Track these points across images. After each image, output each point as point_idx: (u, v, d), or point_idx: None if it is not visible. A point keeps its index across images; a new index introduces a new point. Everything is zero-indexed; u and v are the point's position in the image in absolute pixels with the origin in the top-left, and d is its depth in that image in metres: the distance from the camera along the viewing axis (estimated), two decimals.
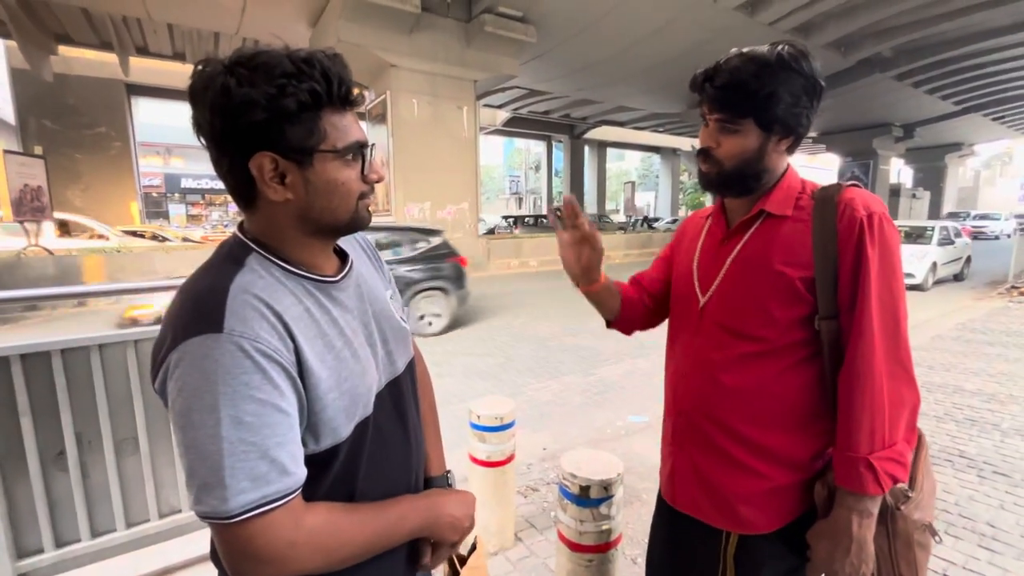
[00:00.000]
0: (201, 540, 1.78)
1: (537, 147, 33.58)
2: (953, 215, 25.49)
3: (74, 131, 16.52)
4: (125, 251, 9.14)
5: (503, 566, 1.94)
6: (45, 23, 12.40)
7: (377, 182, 0.68)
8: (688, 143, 30.19)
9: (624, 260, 16.26)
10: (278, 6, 11.28)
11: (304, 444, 0.60)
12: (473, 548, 0.87)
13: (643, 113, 22.73)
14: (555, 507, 2.32)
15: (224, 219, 23.81)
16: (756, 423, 0.86)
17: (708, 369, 0.90)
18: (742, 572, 0.89)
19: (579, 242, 0.97)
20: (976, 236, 19.72)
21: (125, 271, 8.66)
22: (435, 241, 6.56)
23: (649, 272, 1.14)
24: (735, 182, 0.87)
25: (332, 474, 0.65)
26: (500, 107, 21.83)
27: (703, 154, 0.88)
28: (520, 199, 38.26)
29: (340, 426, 0.63)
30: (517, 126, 25.06)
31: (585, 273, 1.00)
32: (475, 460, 1.91)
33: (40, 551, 1.58)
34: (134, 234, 12.20)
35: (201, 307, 0.56)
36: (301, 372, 0.59)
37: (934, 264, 9.43)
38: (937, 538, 0.86)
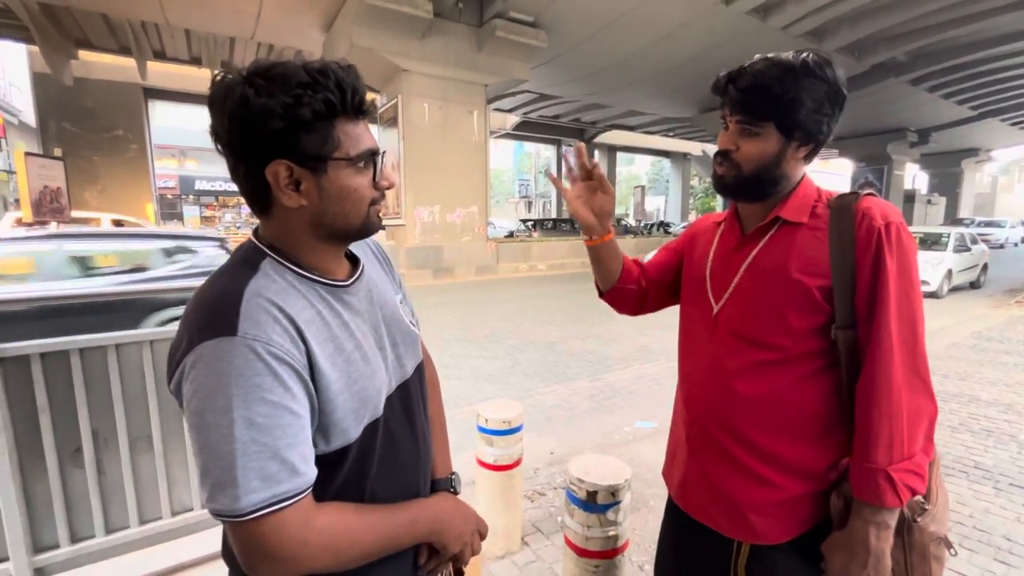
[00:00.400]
0: (211, 539, 1.80)
1: (547, 151, 33.62)
2: (956, 221, 24.88)
3: (92, 134, 16.86)
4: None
5: (509, 570, 1.94)
6: (66, 28, 12.70)
7: (388, 188, 0.70)
8: (699, 148, 30.09)
9: None
10: (293, 12, 11.44)
11: (315, 444, 0.62)
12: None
13: (654, 117, 22.68)
14: (562, 512, 2.32)
15: (236, 221, 24.11)
16: (770, 432, 0.85)
17: (722, 377, 0.89)
18: None
19: (590, 189, 1.00)
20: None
21: None
22: (203, 253, 4.49)
23: (655, 257, 1.14)
24: (752, 187, 0.87)
25: (343, 474, 0.66)
26: (510, 111, 21.92)
27: (721, 156, 0.88)
28: (529, 203, 38.29)
29: (350, 427, 0.64)
30: (527, 130, 25.12)
31: (600, 219, 1.01)
32: (482, 464, 1.92)
33: (56, 546, 1.61)
34: None
35: (216, 311, 0.58)
36: (312, 374, 0.60)
37: (949, 271, 9.27)
38: (952, 551, 0.84)
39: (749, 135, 0.84)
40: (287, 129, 0.59)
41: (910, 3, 11.65)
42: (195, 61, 15.07)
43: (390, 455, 0.72)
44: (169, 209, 23.40)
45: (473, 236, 12.93)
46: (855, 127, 22.63)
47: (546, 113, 22.45)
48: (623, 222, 25.28)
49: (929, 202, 27.67)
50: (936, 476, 0.86)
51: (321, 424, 0.62)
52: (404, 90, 11.43)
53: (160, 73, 16.03)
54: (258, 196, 0.64)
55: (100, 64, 15.52)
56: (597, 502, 1.32)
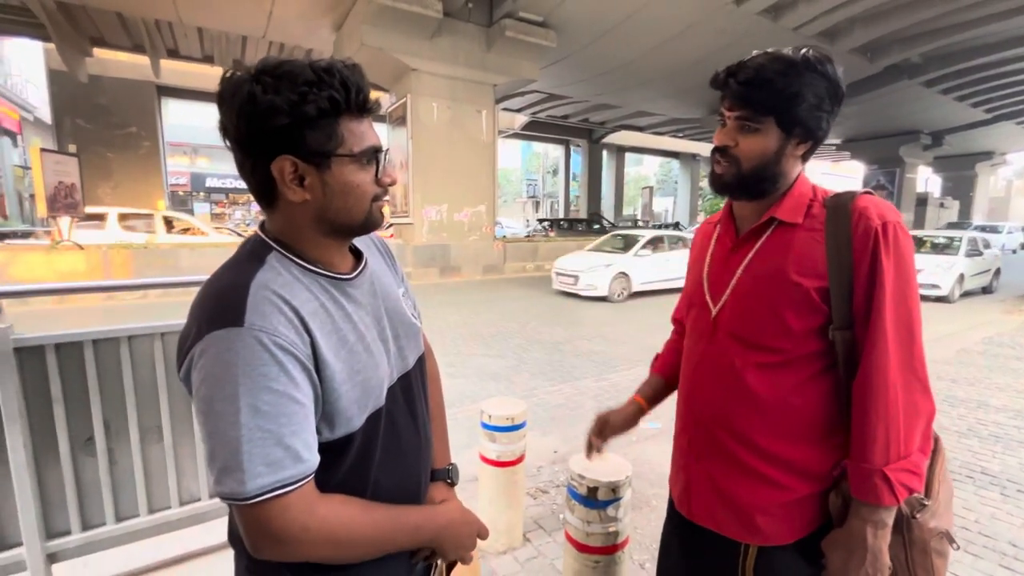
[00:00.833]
0: (218, 528, 1.83)
1: (555, 151, 33.59)
2: (952, 225, 24.19)
3: (106, 130, 17.09)
4: (152, 248, 9.41)
5: (511, 566, 1.96)
6: (82, 26, 12.88)
7: (390, 185, 0.72)
8: (708, 149, 29.75)
9: None
10: (304, 11, 11.53)
11: (319, 432, 0.64)
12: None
13: (663, 118, 22.56)
14: (564, 509, 2.33)
15: (247, 217, 24.34)
16: (774, 434, 0.85)
17: (724, 380, 0.90)
18: None
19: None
20: None
21: (152, 267, 8.93)
22: None
23: (681, 306, 1.17)
24: (750, 183, 0.86)
25: (348, 462, 0.68)
26: (519, 111, 21.91)
27: (719, 153, 0.87)
28: (537, 203, 38.26)
29: (353, 416, 0.66)
30: (535, 130, 25.11)
31: (624, 427, 1.20)
32: (485, 460, 1.94)
33: (68, 532, 1.65)
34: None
35: (224, 302, 0.60)
36: (316, 364, 0.62)
37: (961, 276, 9.16)
38: (955, 545, 0.84)
39: (749, 131, 0.84)
40: (293, 125, 0.60)
41: (924, 4, 11.49)
42: (208, 59, 15.23)
43: (393, 444, 0.74)
44: (181, 206, 23.68)
45: (480, 235, 12.95)
46: (867, 129, 22.36)
47: (555, 113, 22.42)
48: (638, 223, 25.27)
49: (942, 205, 27.29)
50: (939, 471, 0.86)
51: (325, 412, 0.64)
52: (413, 89, 11.47)
53: (173, 71, 16.20)
54: (264, 191, 0.66)
55: (114, 62, 15.73)
56: (598, 498, 1.33)
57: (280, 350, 0.58)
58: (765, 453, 0.86)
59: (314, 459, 0.61)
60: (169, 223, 10.80)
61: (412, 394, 0.79)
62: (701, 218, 33.77)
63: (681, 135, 26.87)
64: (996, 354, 5.31)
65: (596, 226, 20.78)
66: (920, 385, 0.79)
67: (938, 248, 9.87)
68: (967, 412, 3.68)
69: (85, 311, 7.32)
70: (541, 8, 11.41)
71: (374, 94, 0.68)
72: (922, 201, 25.16)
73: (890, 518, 0.79)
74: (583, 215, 26.30)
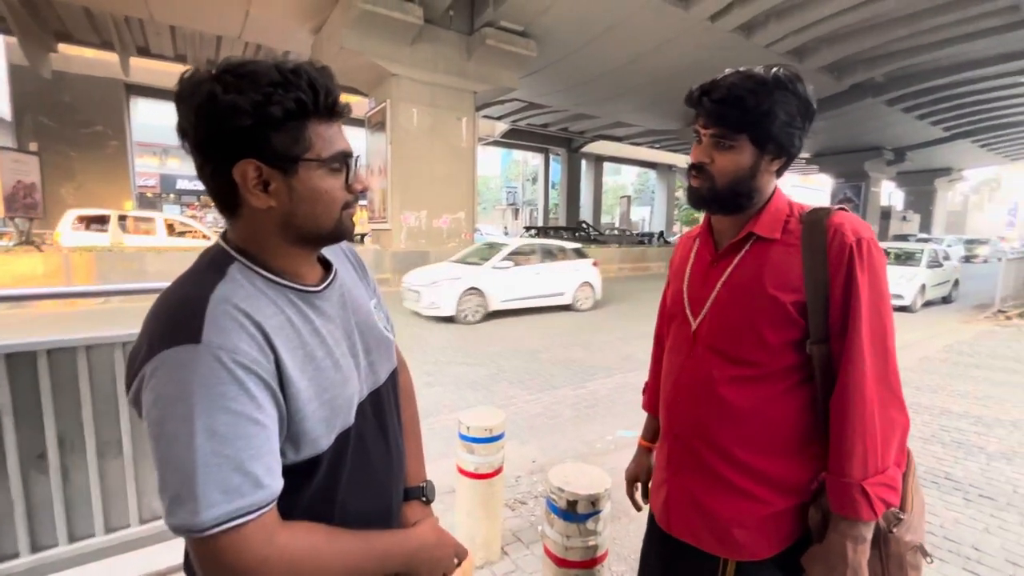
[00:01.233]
0: (182, 547, 1.75)
1: (535, 159, 33.83)
2: (899, 237, 24.97)
3: (70, 129, 16.46)
4: (117, 251, 9.05)
5: None
6: (46, 20, 12.42)
7: (361, 192, 0.69)
8: (684, 160, 30.48)
9: (619, 274, 16.32)
10: (281, 12, 11.37)
11: (283, 454, 0.60)
12: None
13: (640, 129, 23.00)
14: (543, 521, 2.30)
15: (220, 221, 23.76)
16: (752, 447, 0.86)
17: (703, 392, 0.90)
18: None
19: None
20: None
21: (116, 271, 8.59)
22: None
23: (662, 327, 1.17)
24: (726, 199, 0.87)
25: (313, 485, 0.64)
26: (499, 119, 22.02)
27: (695, 169, 0.88)
28: (516, 210, 38.42)
29: (320, 437, 0.63)
30: (515, 138, 25.25)
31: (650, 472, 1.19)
32: (463, 472, 1.90)
33: (15, 555, 1.54)
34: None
35: (180, 317, 0.56)
36: (281, 382, 0.59)
37: (923, 286, 9.54)
38: (928, 559, 0.86)
39: (723, 148, 0.85)
40: (256, 127, 0.57)
41: (886, 27, 12.07)
42: (180, 59, 14.86)
43: (362, 465, 0.70)
44: (149, 207, 22.95)
45: (460, 242, 12.90)
46: (834, 144, 23.25)
47: (534, 122, 22.60)
48: (627, 232, 25.60)
49: (904, 219, 28.57)
50: (911, 484, 0.88)
51: (290, 433, 0.61)
52: (393, 95, 11.41)
53: (143, 69, 15.75)
54: (225, 196, 0.62)
55: (81, 58, 15.21)
56: (577, 511, 1.31)
57: (241, 369, 0.55)
58: (743, 466, 0.87)
59: (276, 484, 0.57)
60: (171, 227, 10.60)
61: (383, 410, 0.76)
62: (677, 227, 34.48)
63: (658, 146, 27.42)
64: (956, 362, 5.53)
65: (580, 234, 20.94)
66: (895, 399, 0.80)
67: (901, 259, 10.26)
68: (931, 419, 3.81)
69: (41, 317, 6.98)
70: (522, 18, 11.53)
71: (347, 98, 0.65)
72: (886, 214, 26.26)
73: (869, 533, 0.80)
74: (562, 223, 26.52)
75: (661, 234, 25.98)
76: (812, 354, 0.82)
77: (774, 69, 0.83)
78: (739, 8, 11.06)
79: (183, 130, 0.60)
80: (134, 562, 1.72)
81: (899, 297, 9.11)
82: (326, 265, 0.74)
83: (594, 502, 1.31)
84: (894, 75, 15.46)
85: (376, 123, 12.30)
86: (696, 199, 0.90)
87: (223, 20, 11.87)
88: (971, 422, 3.74)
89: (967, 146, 24.50)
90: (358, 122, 13.17)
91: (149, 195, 23.49)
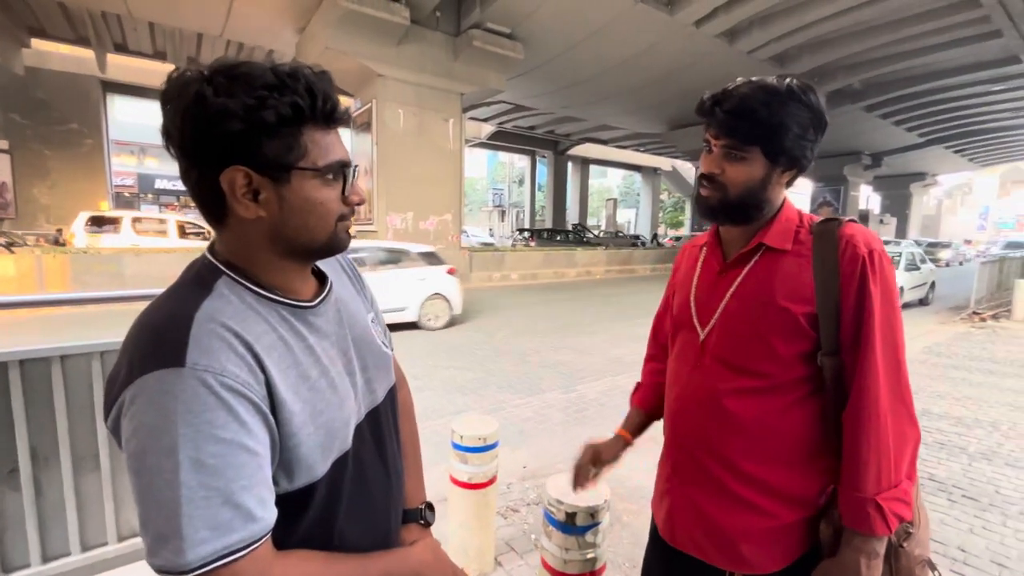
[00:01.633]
0: None
1: (521, 161, 33.88)
2: None
3: (44, 126, 15.94)
4: (92, 253, 8.78)
5: None
6: (18, 14, 12.02)
7: (358, 205, 0.65)
8: (669, 163, 30.93)
9: (606, 276, 16.41)
10: (265, 10, 11.18)
11: (276, 483, 0.56)
12: None
13: (625, 132, 23.19)
14: (536, 529, 2.28)
15: (200, 221, 23.28)
16: (759, 459, 0.85)
17: (710, 404, 0.88)
18: None
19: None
20: None
21: (92, 273, 8.33)
22: None
23: (661, 322, 1.15)
24: (737, 211, 0.86)
25: (310, 515, 0.61)
26: (486, 120, 21.99)
27: (706, 180, 0.87)
28: (503, 212, 38.40)
29: (316, 463, 0.59)
30: (502, 140, 25.25)
31: (614, 460, 1.19)
32: (456, 482, 1.86)
33: None
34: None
35: (161, 338, 0.52)
36: (273, 406, 0.55)
37: (901, 289, 9.78)
38: (937, 573, 0.85)
39: (735, 159, 0.83)
40: (247, 132, 0.53)
41: (865, 35, 12.37)
42: (160, 56, 14.50)
43: (360, 491, 0.67)
44: (126, 207, 22.42)
45: (447, 244, 12.82)
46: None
47: (521, 124, 22.64)
48: (619, 235, 25.77)
49: (881, 222, 29.31)
50: (917, 498, 0.88)
51: (283, 460, 0.57)
52: (379, 95, 11.30)
53: (121, 66, 15.33)
54: (212, 205, 0.58)
55: (55, 54, 14.76)
56: (576, 524, 1.29)
57: (229, 392, 0.51)
58: (750, 478, 0.85)
59: (269, 516, 0.53)
60: (182, 228, 10.48)
61: (381, 432, 0.73)
62: (662, 230, 34.81)
63: (643, 149, 27.67)
64: (935, 363, 5.66)
65: (576, 236, 20.98)
66: (907, 412, 0.79)
67: None
68: None
69: (11, 324, 6.73)
70: (509, 20, 11.53)
71: (343, 102, 0.62)
72: (864, 218, 26.87)
73: (882, 548, 0.79)
74: (548, 225, 26.58)
75: (655, 236, 26.29)
76: (823, 366, 0.81)
77: (787, 80, 0.81)
78: (723, 14, 11.20)
79: (167, 132, 0.55)
80: None
81: None
82: (320, 277, 0.71)
83: (593, 514, 1.29)
84: (872, 82, 15.85)
85: (361, 124, 12.17)
86: (705, 209, 0.88)
87: (204, 17, 11.62)
88: (951, 423, 3.82)
89: (941, 152, 25.21)
90: (344, 128, 13.01)
91: (126, 195, 22.90)
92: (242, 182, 0.55)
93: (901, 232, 30.98)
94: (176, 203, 24.37)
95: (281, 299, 0.61)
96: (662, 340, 1.15)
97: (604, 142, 25.91)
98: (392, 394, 0.78)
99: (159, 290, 0.60)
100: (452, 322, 7.63)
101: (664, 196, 39.19)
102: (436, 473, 2.27)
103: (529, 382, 4.87)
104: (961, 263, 21.56)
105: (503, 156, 38.23)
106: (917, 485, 0.89)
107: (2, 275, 7.64)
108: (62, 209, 13.52)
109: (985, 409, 4.12)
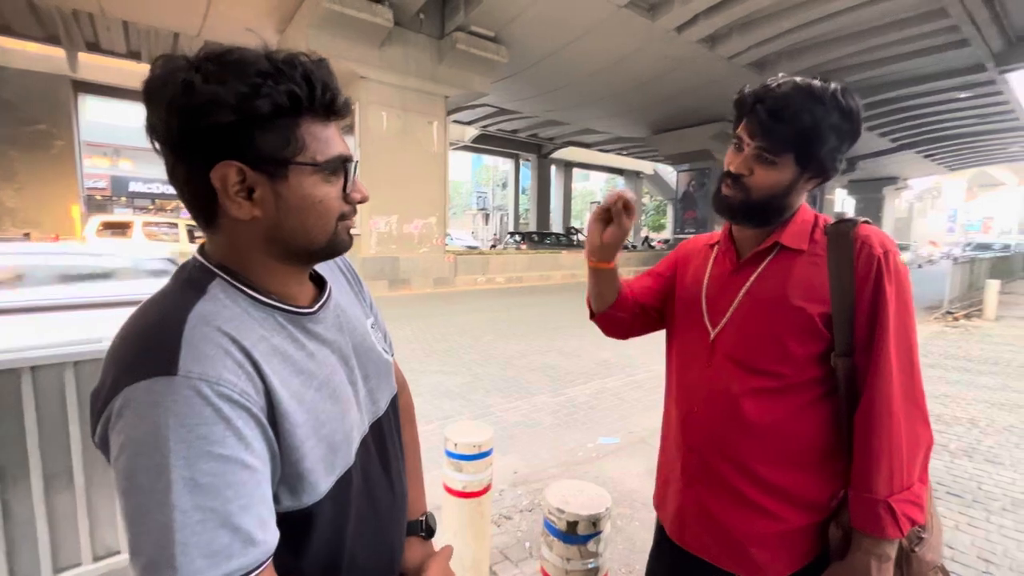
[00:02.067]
0: None
1: (505, 164, 33.89)
2: None
3: (10, 127, 15.36)
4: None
5: None
6: None
7: (360, 202, 0.61)
8: (651, 167, 31.33)
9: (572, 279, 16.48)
10: (244, 10, 10.99)
11: (277, 500, 0.52)
12: None
13: (608, 136, 23.40)
14: (530, 537, 2.24)
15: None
16: (772, 462, 0.83)
17: (723, 404, 0.87)
18: None
19: (607, 220, 0.90)
20: None
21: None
22: None
23: (641, 281, 1.08)
24: (758, 213, 0.85)
25: (315, 536, 0.56)
26: (470, 124, 21.97)
27: (731, 178, 0.85)
28: (487, 215, 38.37)
29: (319, 479, 0.55)
30: (486, 143, 25.26)
31: (604, 248, 0.92)
32: (450, 491, 1.81)
33: None
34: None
35: (151, 343, 0.48)
36: (273, 417, 0.51)
37: None
38: None
39: (766, 162, 0.82)
40: (240, 124, 0.49)
41: (841, 42, 12.73)
42: (134, 55, 14.13)
43: (367, 509, 0.63)
44: (99, 210, 21.77)
45: (431, 248, 12.74)
46: None
47: (505, 127, 22.68)
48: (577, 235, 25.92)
49: None
50: (929, 504, 0.87)
51: (285, 475, 0.53)
52: (362, 98, 11.20)
53: (93, 66, 14.89)
54: (202, 204, 0.53)
55: (22, 52, 14.24)
56: (578, 533, 1.25)
57: (226, 402, 0.47)
58: (761, 481, 0.84)
59: (271, 539, 0.49)
60: (192, 232, 10.37)
61: (385, 445, 0.69)
62: (644, 233, 35.15)
63: (626, 153, 27.97)
64: None
65: (565, 239, 21.01)
66: (920, 414, 0.79)
67: None
68: None
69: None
70: (493, 24, 11.54)
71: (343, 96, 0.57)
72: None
73: (893, 551, 0.78)
74: (532, 228, 26.64)
75: (646, 239, 26.70)
76: (836, 367, 0.80)
77: (832, 86, 0.79)
78: (704, 20, 11.39)
79: (152, 126, 0.50)
80: None
81: None
82: (318, 282, 0.66)
83: (595, 523, 1.26)
84: (848, 88, 16.30)
85: (344, 126, 12.05)
86: (724, 208, 0.86)
87: (181, 16, 11.37)
88: (931, 420, 3.89)
89: (912, 156, 26.04)
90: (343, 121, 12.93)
91: (99, 198, 22.24)
92: (235, 179, 0.51)
93: None
94: (151, 206, 23.76)
95: (278, 305, 0.57)
96: (637, 291, 1.04)
97: (588, 146, 26.10)
98: (394, 403, 0.74)
99: (147, 293, 0.55)
100: None
101: (646, 199, 39.64)
102: (427, 480, 2.21)
103: (517, 385, 4.83)
104: (920, 266, 22.17)
105: (487, 159, 38.27)
106: (930, 491, 0.88)
107: None
108: (30, 213, 13.03)
109: (963, 407, 4.22)
